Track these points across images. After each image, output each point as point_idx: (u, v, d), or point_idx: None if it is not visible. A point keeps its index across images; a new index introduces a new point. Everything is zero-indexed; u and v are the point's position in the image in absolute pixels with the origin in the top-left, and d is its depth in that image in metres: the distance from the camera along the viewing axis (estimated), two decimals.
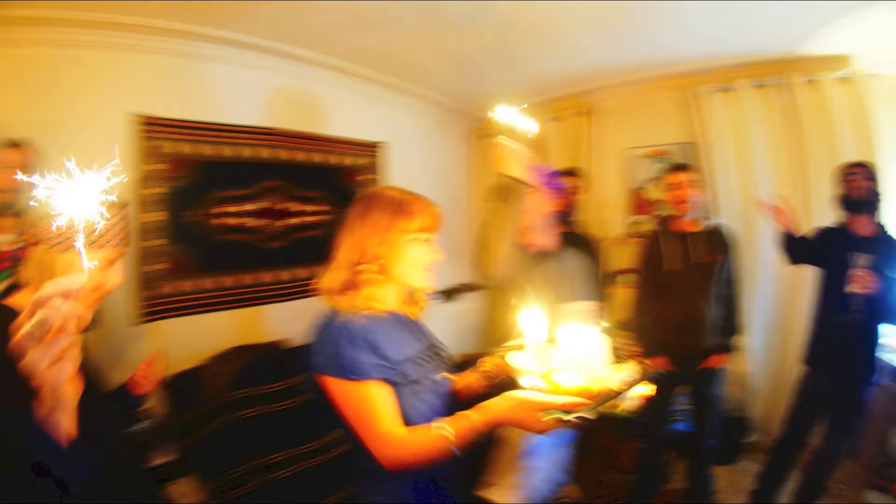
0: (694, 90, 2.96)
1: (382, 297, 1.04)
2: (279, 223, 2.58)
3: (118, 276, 1.03)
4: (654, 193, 3.19)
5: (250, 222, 2.46)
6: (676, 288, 2.19)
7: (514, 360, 1.03)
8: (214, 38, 2.26)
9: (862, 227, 2.05)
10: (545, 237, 1.76)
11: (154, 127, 2.15)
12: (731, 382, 2.75)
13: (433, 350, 1.12)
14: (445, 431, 0.88)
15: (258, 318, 2.50)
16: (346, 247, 1.04)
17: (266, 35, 2.35)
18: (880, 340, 2.05)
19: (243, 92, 2.44)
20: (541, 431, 0.85)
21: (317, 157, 2.76)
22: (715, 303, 2.18)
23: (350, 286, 1.00)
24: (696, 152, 3.00)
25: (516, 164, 1.50)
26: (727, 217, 2.86)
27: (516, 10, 2.17)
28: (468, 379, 1.16)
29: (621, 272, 2.77)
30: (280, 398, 2.17)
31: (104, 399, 1.10)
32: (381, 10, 2.12)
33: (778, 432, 2.32)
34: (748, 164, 2.84)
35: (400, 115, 3.29)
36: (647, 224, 3.08)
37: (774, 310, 2.85)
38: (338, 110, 2.86)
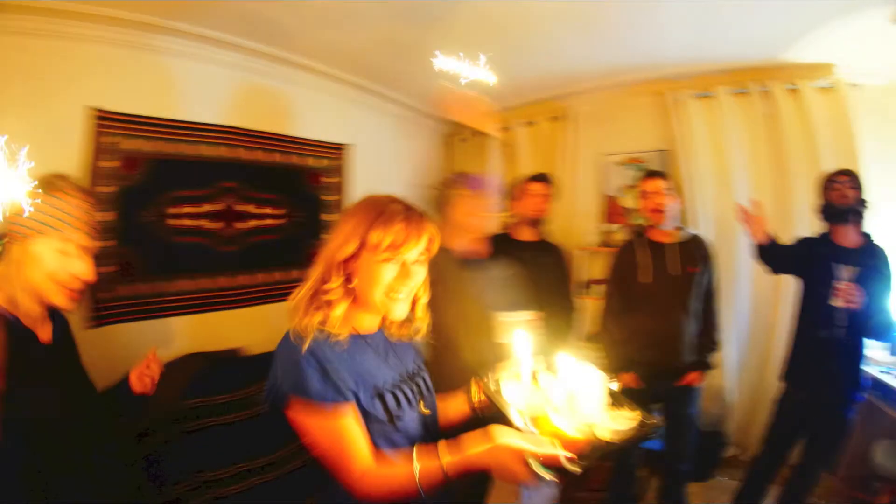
0: (672, 96, 2.90)
1: (356, 318, 0.95)
2: (236, 226, 2.47)
3: (88, 268, 1.02)
4: (629, 201, 3.12)
5: (206, 224, 2.35)
6: (651, 301, 2.10)
7: (507, 393, 0.95)
8: (175, 31, 2.16)
9: (846, 237, 1.97)
10: (474, 244, 1.72)
11: (109, 122, 2.05)
12: (708, 397, 2.68)
13: (411, 378, 1.01)
14: (413, 470, 0.82)
15: (213, 325, 2.38)
16: (319, 259, 0.94)
17: (230, 30, 2.26)
18: (863, 355, 1.97)
19: (204, 88, 2.34)
20: (521, 482, 0.76)
21: (277, 158, 2.65)
22: (692, 317, 2.09)
23: (319, 304, 0.90)
24: (673, 160, 2.94)
25: (474, 112, 1.44)
26: (704, 227, 2.80)
27: (490, 11, 2.10)
28: (455, 405, 1.09)
29: (593, 282, 2.69)
30: (233, 409, 2.06)
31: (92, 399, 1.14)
32: (349, 8, 2.05)
33: (756, 448, 2.24)
34: (727, 172, 2.78)
35: (368, 116, 3.18)
36: (622, 233, 3.01)
37: (753, 323, 2.78)
38: (303, 110, 2.76)
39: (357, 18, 2.15)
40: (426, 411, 1.00)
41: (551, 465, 0.74)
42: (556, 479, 0.74)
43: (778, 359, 2.23)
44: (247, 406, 2.08)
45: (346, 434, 0.85)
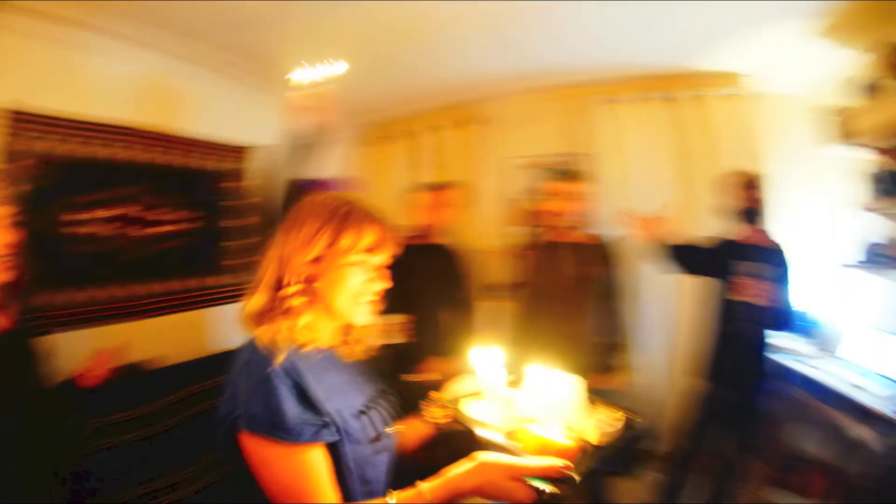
0: (583, 101, 2.95)
1: (319, 329, 0.86)
2: (138, 232, 2.32)
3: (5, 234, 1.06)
4: (537, 204, 3.04)
5: (111, 230, 2.20)
6: (552, 303, 2.09)
7: (473, 411, 0.90)
8: (77, 23, 2.03)
9: (752, 236, 2.09)
10: None
11: (15, 122, 1.89)
12: (630, 395, 2.64)
13: (380, 398, 0.94)
14: None
15: (113, 337, 2.17)
16: (273, 263, 0.85)
17: (137, 25, 2.16)
18: (771, 344, 2.09)
19: (108, 86, 2.20)
20: (522, 501, 0.68)
21: (180, 161, 2.51)
22: (596, 319, 2.09)
23: (277, 313, 0.81)
24: (583, 163, 2.97)
25: (314, 110, 1.51)
26: (612, 229, 2.76)
27: (399, 13, 2.09)
28: (415, 427, 1.01)
29: (497, 286, 2.59)
30: (136, 427, 1.92)
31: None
32: (261, 8, 2.01)
33: (677, 443, 2.28)
34: (636, 176, 2.85)
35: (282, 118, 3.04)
36: (531, 235, 2.91)
37: (669, 321, 2.83)
38: (216, 111, 2.64)
39: (268, 19, 2.11)
40: (400, 428, 0.95)
41: (547, 477, 0.69)
42: (556, 491, 0.68)
43: (695, 354, 2.27)
44: (150, 422, 1.95)
45: (310, 471, 0.74)
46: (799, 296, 2.19)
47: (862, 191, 2.27)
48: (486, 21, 2.21)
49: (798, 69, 2.62)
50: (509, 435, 0.83)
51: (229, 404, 0.76)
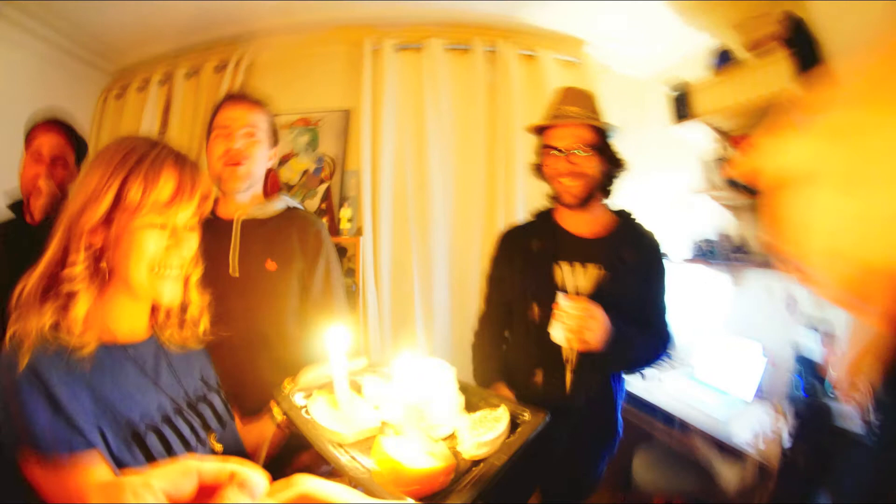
0: (371, 45, 2.28)
1: (111, 316, 0.69)
2: None
3: None
4: (286, 171, 2.39)
5: None
6: (224, 315, 0.99)
7: (318, 412, 0.68)
8: None
9: (580, 222, 1.26)
10: None
11: None
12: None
13: (193, 405, 0.75)
14: None
15: None
16: (57, 229, 0.67)
17: None
18: (616, 398, 1.30)
19: None
20: None
21: None
22: (293, 341, 1.17)
23: (55, 297, 0.63)
24: (357, 121, 2.29)
25: None
26: (384, 204, 2.21)
27: None
28: (261, 428, 0.83)
29: None
30: None
31: None
32: None
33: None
34: (429, 139, 2.24)
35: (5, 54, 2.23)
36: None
37: (455, 332, 2.21)
38: None
39: None
40: (219, 447, 0.74)
41: None
42: None
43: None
44: None
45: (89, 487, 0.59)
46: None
47: (700, 178, 2.08)
48: None
49: (647, 42, 2.32)
50: (357, 447, 0.63)
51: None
